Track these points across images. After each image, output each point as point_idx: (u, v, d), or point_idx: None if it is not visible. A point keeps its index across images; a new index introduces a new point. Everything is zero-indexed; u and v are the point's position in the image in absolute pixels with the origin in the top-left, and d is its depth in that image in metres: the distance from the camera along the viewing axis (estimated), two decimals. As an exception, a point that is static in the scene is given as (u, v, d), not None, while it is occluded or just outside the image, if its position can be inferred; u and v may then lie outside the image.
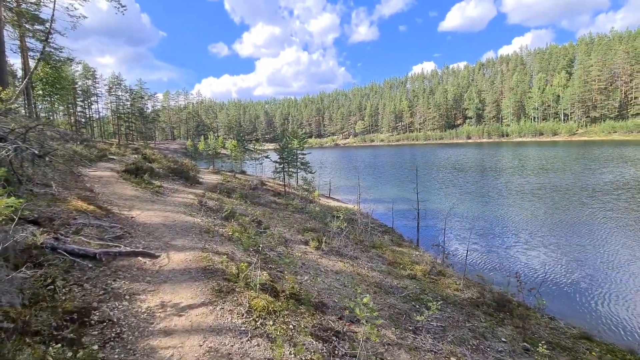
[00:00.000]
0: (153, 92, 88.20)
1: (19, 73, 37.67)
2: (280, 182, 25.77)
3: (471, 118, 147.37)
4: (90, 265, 5.78)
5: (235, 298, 5.40)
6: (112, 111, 72.47)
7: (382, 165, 57.28)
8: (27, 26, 26.51)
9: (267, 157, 33.17)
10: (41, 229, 5.74)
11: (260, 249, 6.04)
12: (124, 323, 4.47)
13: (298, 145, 25.46)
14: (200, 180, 18.72)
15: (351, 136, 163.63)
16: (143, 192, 11.64)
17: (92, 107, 74.02)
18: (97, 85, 71.51)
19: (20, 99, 26.93)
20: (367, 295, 4.74)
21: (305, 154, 26.19)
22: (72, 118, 62.18)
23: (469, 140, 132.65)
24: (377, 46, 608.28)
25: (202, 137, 77.05)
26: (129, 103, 72.62)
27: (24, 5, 25.10)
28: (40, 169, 8.15)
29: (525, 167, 45.29)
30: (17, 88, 21.18)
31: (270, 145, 53.89)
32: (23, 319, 3.46)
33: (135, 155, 21.01)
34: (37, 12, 26.35)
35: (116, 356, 3.89)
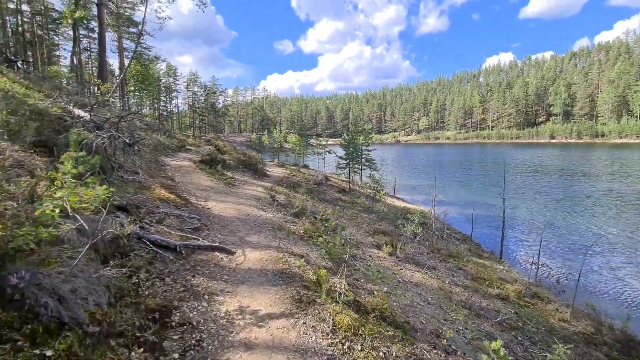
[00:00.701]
0: (224, 88, 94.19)
1: (116, 71, 42.69)
2: (344, 179, 25.11)
3: (557, 115, 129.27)
4: (171, 257, 5.68)
5: (317, 311, 4.78)
6: (189, 106, 79.09)
7: (449, 164, 53.26)
8: (123, 28, 29.61)
9: (330, 152, 32.77)
10: (129, 218, 5.76)
11: (346, 258, 5.33)
12: (203, 328, 4.13)
13: (363, 141, 24.47)
14: (267, 173, 18.90)
15: (414, 133, 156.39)
16: (217, 182, 11.83)
17: (173, 102, 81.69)
18: (177, 82, 78.60)
19: (116, 93, 30.22)
20: (497, 339, 3.71)
21: (370, 150, 25.11)
22: (156, 111, 69.40)
23: (553, 141, 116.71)
24: (446, 37, 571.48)
25: (266, 130, 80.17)
26: (203, 98, 78.54)
27: (121, 10, 28.02)
28: (130, 157, 8.54)
29: (629, 173, 38.03)
30: (114, 84, 23.69)
31: (331, 141, 53.69)
32: (108, 320, 3.22)
33: (209, 147, 22.10)
34: (131, 16, 29.27)
35: (196, 369, 3.53)
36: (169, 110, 79.13)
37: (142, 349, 3.50)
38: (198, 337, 3.97)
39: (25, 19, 29.27)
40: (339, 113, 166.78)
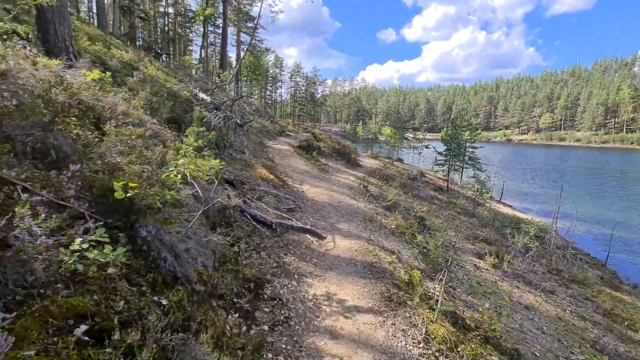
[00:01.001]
0: (324, 78, 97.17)
1: (233, 63, 48.06)
2: (442, 177, 23.19)
3: None
4: (267, 233, 5.98)
5: (407, 314, 4.37)
6: (291, 95, 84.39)
7: (577, 171, 44.17)
8: (242, 23, 32.88)
9: (427, 146, 30.67)
10: (235, 192, 6.24)
11: (448, 264, 4.74)
12: (292, 307, 4.18)
13: (469, 137, 22.01)
14: (360, 163, 18.72)
15: (531, 132, 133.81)
16: (312, 167, 12.16)
17: (277, 91, 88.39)
18: (282, 72, 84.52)
19: (232, 82, 34.00)
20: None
21: (475, 148, 22.46)
22: (262, 99, 76.18)
23: None
24: (587, 18, 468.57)
25: (361, 121, 79.92)
26: (304, 88, 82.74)
27: (241, 5, 31.06)
28: (239, 137, 9.35)
29: None
30: (231, 73, 26.65)
31: (429, 135, 50.19)
32: (212, 282, 3.46)
33: (306, 134, 23.07)
34: (249, 11, 32.23)
35: (283, 345, 3.56)
36: (273, 98, 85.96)
37: (237, 314, 3.71)
38: (286, 315, 4.04)
39: (170, 20, 35.17)
40: (440, 106, 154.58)
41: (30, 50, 4.78)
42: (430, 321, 4.24)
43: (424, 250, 7.08)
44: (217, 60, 45.73)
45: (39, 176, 2.93)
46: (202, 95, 10.05)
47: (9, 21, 5.32)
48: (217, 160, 3.53)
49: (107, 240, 2.25)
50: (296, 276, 4.88)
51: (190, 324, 2.71)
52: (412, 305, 4.57)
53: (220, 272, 3.98)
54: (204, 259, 3.41)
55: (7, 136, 3.01)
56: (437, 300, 4.35)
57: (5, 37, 4.64)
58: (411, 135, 35.88)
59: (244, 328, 3.59)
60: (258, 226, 5.90)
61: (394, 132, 36.31)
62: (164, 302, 2.75)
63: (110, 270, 2.70)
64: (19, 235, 2.03)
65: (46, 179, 2.95)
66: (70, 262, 2.12)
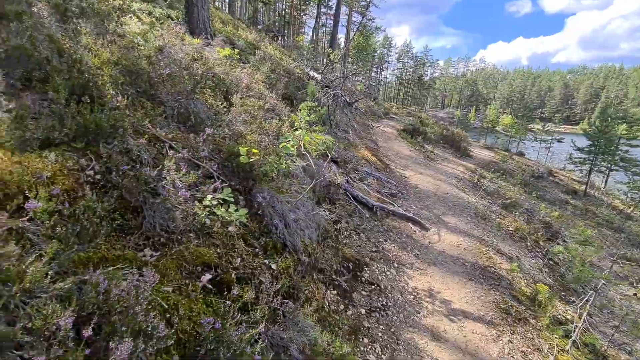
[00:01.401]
0: (435, 59, 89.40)
1: (342, 44, 48.27)
2: (577, 178, 19.02)
3: None
4: (367, 215, 5.82)
5: (530, 335, 3.65)
6: (397, 77, 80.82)
7: None
8: (355, 2, 32.36)
9: (559, 140, 25.53)
10: (340, 170, 6.21)
11: (597, 288, 3.78)
12: (390, 296, 3.96)
13: (625, 133, 17.25)
14: (471, 153, 16.74)
15: None
16: (417, 153, 11.38)
17: (383, 73, 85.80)
18: (390, 53, 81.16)
19: (340, 62, 34.25)
20: None
21: (633, 146, 17.51)
22: (366, 81, 75.18)
23: None
24: None
25: (474, 108, 71.55)
26: (411, 70, 78.11)
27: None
28: (346, 116, 9.28)
29: None
30: (340, 53, 26.77)
31: (564, 126, 41.57)
32: (315, 255, 3.47)
33: (411, 118, 21.76)
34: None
35: (379, 334, 3.39)
36: (377, 80, 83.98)
37: (335, 292, 3.69)
38: (384, 303, 3.84)
39: (287, 3, 37.15)
40: (583, 92, 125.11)
41: (180, 29, 5.49)
42: (562, 350, 3.45)
43: (551, 262, 5.88)
44: (327, 41, 46.64)
45: (181, 137, 3.32)
46: (313, 73, 10.27)
47: (165, 7, 6.23)
48: (329, 137, 3.43)
49: (232, 200, 2.36)
50: (395, 265, 4.60)
51: (295, 293, 2.76)
52: (535, 325, 3.80)
53: (322, 247, 4.00)
54: (310, 231, 3.43)
55: (160, 101, 3.48)
56: (575, 327, 3.50)
57: (162, 20, 5.45)
58: (538, 127, 30.36)
59: (342, 307, 3.55)
60: (359, 207, 5.77)
61: (515, 121, 31.32)
62: (274, 266, 2.85)
63: (231, 228, 2.90)
64: (166, 186, 2.30)
65: (186, 140, 3.32)
66: (202, 215, 2.30)
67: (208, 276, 2.38)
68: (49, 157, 2.26)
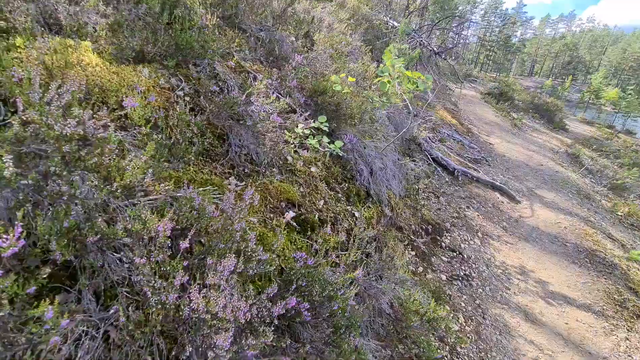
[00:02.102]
0: (529, 17, 77.14)
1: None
2: None
3: None
4: (447, 179, 5.25)
5: (654, 336, 2.99)
6: (479, 38, 71.86)
7: None
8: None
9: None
10: (421, 126, 5.62)
11: None
12: (474, 266, 3.53)
13: None
14: (566, 126, 14.36)
15: None
16: (503, 120, 10.03)
17: (463, 33, 76.83)
18: (474, 11, 71.65)
19: (418, 16, 31.23)
20: None
21: None
22: (443, 42, 68.23)
23: None
24: None
25: (570, 76, 61.32)
26: (497, 30, 68.47)
27: None
28: (426, 71, 8.35)
29: None
30: (420, 5, 24.20)
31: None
32: (396, 211, 3.15)
33: (493, 82, 19.22)
34: None
35: (462, 304, 3.05)
36: (455, 41, 75.72)
37: (414, 252, 3.38)
38: (467, 272, 3.43)
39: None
40: None
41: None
42: (700, 361, 2.76)
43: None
44: (403, -5, 42.73)
45: (264, 70, 3.10)
46: (392, 22, 9.30)
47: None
48: (428, 75, 2.92)
49: (326, 128, 2.09)
50: (480, 235, 4.09)
51: (379, 246, 2.51)
52: (662, 326, 3.10)
53: (402, 205, 3.65)
54: (396, 183, 3.08)
55: (243, 29, 3.26)
56: None
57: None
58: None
59: (420, 269, 3.24)
60: (438, 169, 5.21)
61: (623, 94, 26.01)
62: (357, 214, 2.60)
63: (314, 169, 2.68)
64: (255, 110, 2.10)
65: (269, 74, 3.10)
66: (292, 145, 2.08)
67: (292, 213, 2.21)
68: (143, 72, 2.18)
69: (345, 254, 2.00)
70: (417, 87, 2.73)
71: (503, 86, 14.07)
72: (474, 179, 5.36)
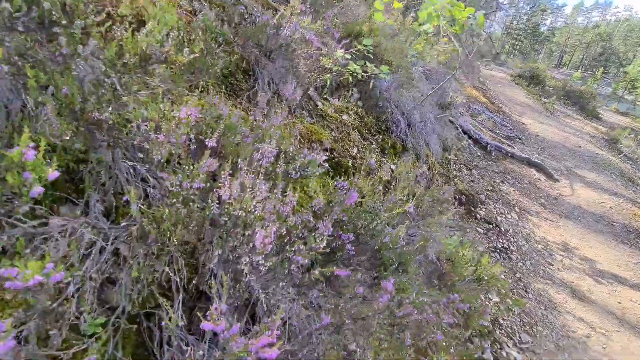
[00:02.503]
0: (561, 4, 73.32)
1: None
2: None
3: None
4: (479, 153, 4.89)
5: None
6: (505, 26, 68.75)
7: None
8: None
9: None
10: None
11: None
12: (512, 240, 3.23)
13: None
14: (600, 115, 13.50)
15: None
16: (534, 102, 9.46)
17: (487, 20, 73.62)
18: (503, -4, 68.28)
19: None
20: None
21: None
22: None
23: None
24: None
25: (602, 68, 58.23)
26: (525, 17, 65.22)
27: None
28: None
29: None
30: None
31: None
32: (433, 171, 2.87)
33: (520, 67, 18.25)
34: None
35: (502, 276, 2.77)
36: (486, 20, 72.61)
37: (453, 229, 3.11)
38: (505, 245, 3.14)
39: None
40: None
41: None
42: None
43: None
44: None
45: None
46: None
47: None
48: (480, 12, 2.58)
49: (371, 48, 1.82)
50: (517, 209, 3.77)
51: (419, 204, 2.25)
52: None
53: (438, 166, 3.36)
54: (434, 140, 2.79)
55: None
56: None
57: None
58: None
59: (454, 238, 2.98)
60: (470, 142, 4.86)
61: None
62: (392, 167, 2.35)
63: (345, 117, 2.44)
64: (289, 32, 1.84)
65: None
66: (333, 69, 1.82)
67: (324, 156, 1.97)
68: (163, -12, 1.93)
69: (390, 192, 1.76)
70: (466, 26, 2.40)
71: (535, 69, 13.28)
72: (509, 154, 4.99)
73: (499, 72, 12.38)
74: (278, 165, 0.94)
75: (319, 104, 2.34)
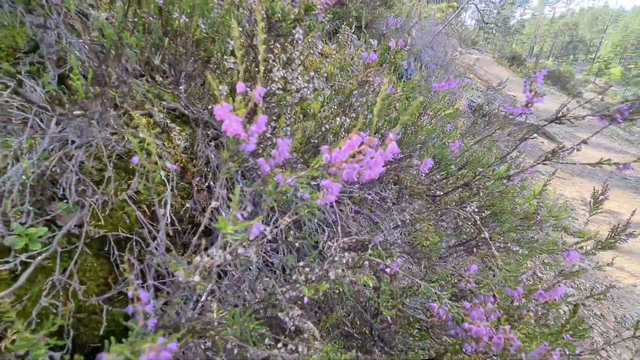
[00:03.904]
0: (528, -3, 76.09)
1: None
2: None
3: None
4: (479, 121, 4.72)
5: None
6: (476, 21, 70.60)
7: None
8: None
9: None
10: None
11: None
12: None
13: None
14: (580, 92, 13.82)
15: None
16: (519, 79, 9.46)
17: (460, 16, 75.44)
18: (473, -9, 70.07)
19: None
20: None
21: None
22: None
23: None
24: None
25: (571, 57, 60.44)
26: (495, 12, 67.17)
27: None
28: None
29: None
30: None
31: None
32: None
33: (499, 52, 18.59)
34: None
35: (525, 233, 2.52)
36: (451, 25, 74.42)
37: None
38: (523, 202, 2.91)
39: None
40: None
41: None
42: None
43: None
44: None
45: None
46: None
47: None
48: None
49: None
50: (528, 170, 3.54)
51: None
52: None
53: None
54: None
55: None
56: None
57: None
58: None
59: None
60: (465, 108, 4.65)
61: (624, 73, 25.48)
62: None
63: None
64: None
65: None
66: None
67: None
68: None
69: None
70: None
71: (514, 51, 13.45)
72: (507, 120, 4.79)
73: (476, 54, 12.47)
74: None
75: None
